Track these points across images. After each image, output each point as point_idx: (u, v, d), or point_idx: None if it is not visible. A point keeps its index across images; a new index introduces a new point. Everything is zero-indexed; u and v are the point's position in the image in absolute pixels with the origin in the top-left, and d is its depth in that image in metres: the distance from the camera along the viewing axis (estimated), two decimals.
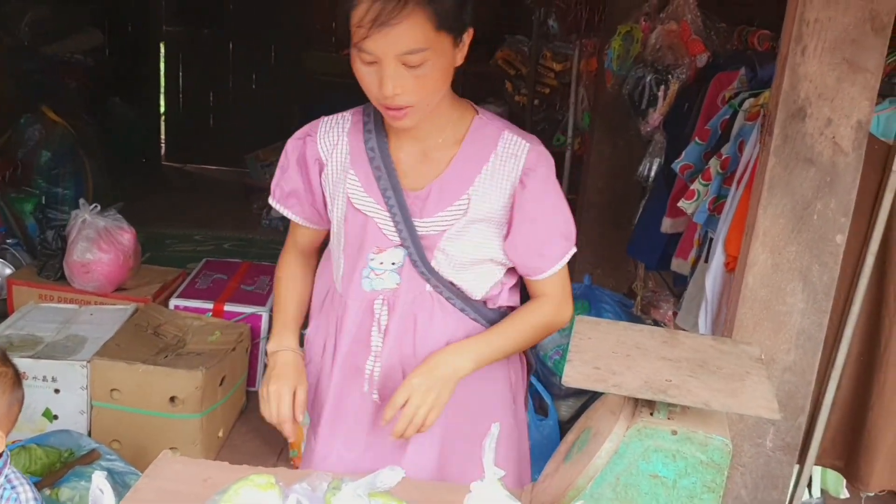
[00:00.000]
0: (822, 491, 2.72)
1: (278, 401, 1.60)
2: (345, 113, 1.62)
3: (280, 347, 1.67)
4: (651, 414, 1.44)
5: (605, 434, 1.47)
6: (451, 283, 1.60)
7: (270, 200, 1.69)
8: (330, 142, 1.59)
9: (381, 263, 1.59)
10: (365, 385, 1.64)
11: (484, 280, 1.61)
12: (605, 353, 1.49)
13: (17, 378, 1.61)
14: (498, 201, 1.54)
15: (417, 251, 1.55)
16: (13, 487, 1.60)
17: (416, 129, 1.52)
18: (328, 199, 1.63)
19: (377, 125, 1.56)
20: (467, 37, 1.46)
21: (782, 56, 1.65)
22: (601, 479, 1.45)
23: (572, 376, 1.39)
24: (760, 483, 1.81)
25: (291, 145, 1.65)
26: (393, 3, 1.33)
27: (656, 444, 1.42)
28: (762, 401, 1.37)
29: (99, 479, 1.11)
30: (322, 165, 1.61)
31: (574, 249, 1.61)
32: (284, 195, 1.67)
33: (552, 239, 1.58)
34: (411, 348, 1.61)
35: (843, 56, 1.60)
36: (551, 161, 1.58)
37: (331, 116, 1.64)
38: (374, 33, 1.35)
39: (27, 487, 1.61)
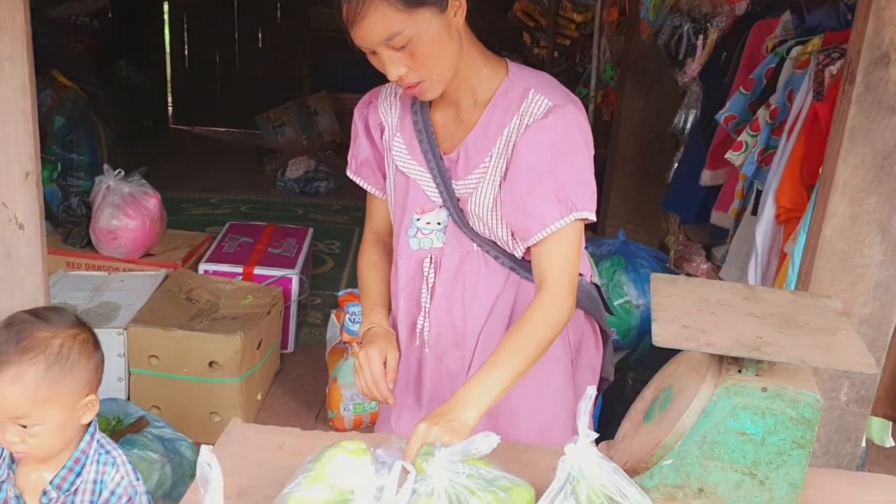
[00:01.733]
0: (867, 439, 2.72)
1: (369, 363, 1.59)
2: None
3: (368, 325, 1.68)
4: (739, 371, 1.42)
5: (692, 392, 1.45)
6: (494, 243, 1.59)
7: (348, 172, 1.71)
8: (387, 106, 1.63)
9: (428, 223, 1.61)
10: (416, 340, 1.66)
11: (517, 249, 1.58)
12: (690, 311, 1.46)
13: (96, 340, 1.61)
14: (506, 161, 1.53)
15: (457, 212, 1.57)
16: (107, 452, 1.60)
17: (448, 93, 1.52)
18: (386, 160, 1.65)
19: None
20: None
21: (864, 0, 1.60)
22: (688, 438, 1.43)
23: (662, 336, 1.37)
24: (834, 436, 1.80)
25: (357, 113, 1.67)
26: (354, 3, 1.37)
27: (745, 402, 1.41)
28: (857, 356, 1.35)
29: (206, 454, 1.08)
30: (383, 128, 1.64)
31: (573, 217, 1.46)
32: (358, 165, 1.69)
33: (541, 197, 1.46)
34: (460, 307, 1.63)
35: None
36: (572, 122, 1.48)
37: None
38: (353, 30, 1.40)
39: (120, 451, 1.61)
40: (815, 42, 2.40)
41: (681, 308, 1.50)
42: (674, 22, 2.95)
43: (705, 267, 3.64)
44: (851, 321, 1.42)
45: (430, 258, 1.62)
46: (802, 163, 2.29)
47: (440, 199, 1.58)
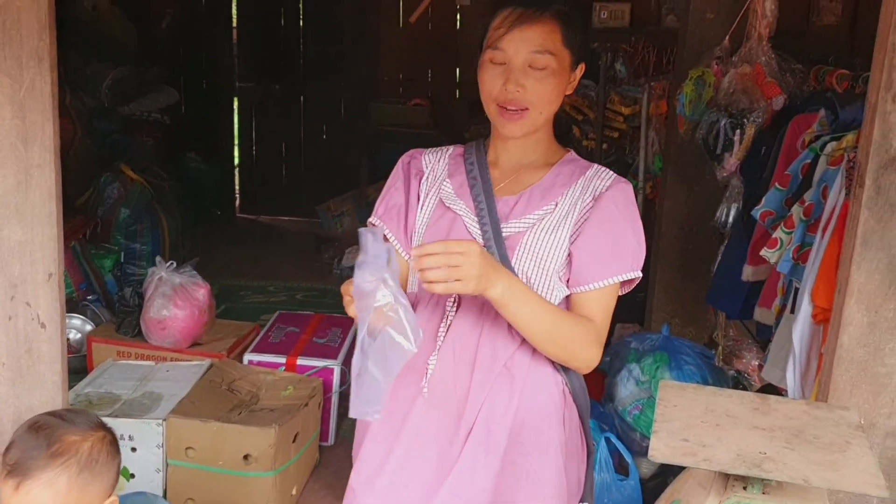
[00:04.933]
0: None
1: None
2: (448, 147, 1.79)
3: None
4: (744, 488, 1.36)
5: None
6: None
7: (371, 218, 1.74)
8: (433, 158, 1.75)
9: None
10: (423, 381, 1.64)
11: (556, 291, 1.63)
12: (693, 423, 1.41)
13: (115, 438, 1.63)
14: (575, 216, 1.62)
15: (500, 250, 1.61)
16: None
17: (514, 146, 1.66)
18: (419, 206, 1.70)
19: (479, 152, 1.71)
20: (579, 71, 1.65)
21: (871, 104, 1.57)
22: None
23: (660, 450, 1.33)
24: None
25: (400, 163, 1.76)
26: (532, 11, 1.58)
27: None
28: (867, 475, 1.28)
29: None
30: (422, 175, 1.73)
31: (633, 273, 1.60)
32: (386, 209, 1.72)
33: (614, 250, 1.60)
34: (472, 352, 1.63)
35: None
36: (632, 196, 1.65)
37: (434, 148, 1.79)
38: (513, 31, 1.57)
39: None
40: (850, 138, 2.35)
41: (685, 419, 1.45)
42: (710, 117, 2.93)
43: (756, 363, 3.52)
44: (865, 436, 1.35)
45: (454, 298, 1.64)
46: (837, 261, 2.22)
47: (482, 240, 1.62)
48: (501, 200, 1.65)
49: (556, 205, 1.62)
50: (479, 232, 1.62)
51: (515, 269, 1.60)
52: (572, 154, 1.73)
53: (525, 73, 1.57)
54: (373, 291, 1.36)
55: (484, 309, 1.62)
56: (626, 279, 1.61)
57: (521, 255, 1.61)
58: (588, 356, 1.60)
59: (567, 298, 1.64)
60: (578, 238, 1.60)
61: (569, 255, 1.61)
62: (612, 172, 1.68)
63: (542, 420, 1.62)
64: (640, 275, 1.62)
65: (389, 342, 1.36)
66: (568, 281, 1.62)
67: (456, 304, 1.64)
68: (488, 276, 1.44)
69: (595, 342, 1.60)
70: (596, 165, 1.69)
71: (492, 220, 1.62)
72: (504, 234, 1.62)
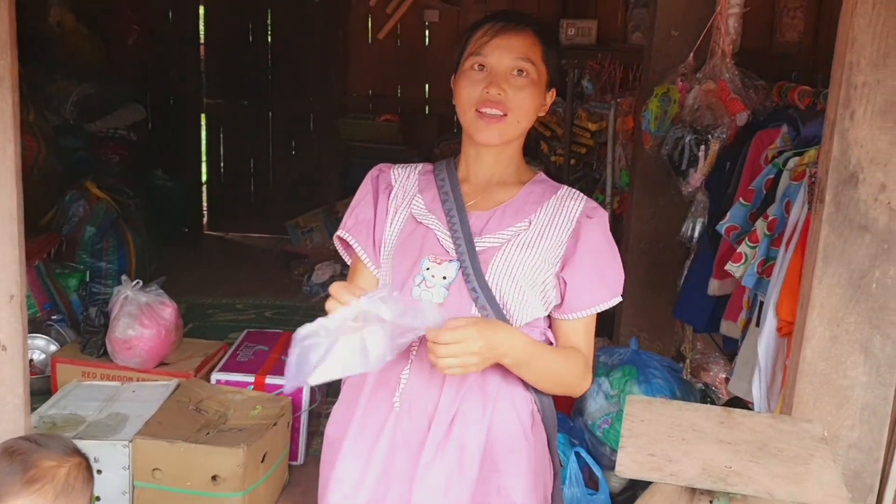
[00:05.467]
0: None
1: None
2: (417, 164, 1.80)
3: None
4: (710, 502, 1.37)
5: None
6: (497, 306, 1.61)
7: (339, 231, 1.74)
8: (402, 173, 1.76)
9: (434, 276, 1.64)
10: (395, 395, 1.65)
11: (528, 308, 1.64)
12: (659, 438, 1.42)
13: (90, 464, 1.61)
14: (552, 237, 1.65)
15: (473, 263, 1.61)
16: None
17: (487, 159, 1.68)
18: (388, 221, 1.70)
19: (449, 169, 1.72)
20: (550, 96, 1.70)
21: (830, 121, 1.61)
22: None
23: (626, 465, 1.33)
24: None
25: (369, 177, 1.76)
26: (514, 23, 1.64)
27: None
28: (830, 487, 1.30)
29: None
30: (391, 189, 1.73)
31: (608, 305, 1.67)
32: (356, 223, 1.72)
33: (592, 283, 1.65)
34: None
35: (894, 119, 1.55)
36: (608, 221, 1.71)
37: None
38: (497, 39, 1.62)
39: None
40: (811, 154, 2.39)
41: (652, 434, 1.46)
42: (675, 133, 2.97)
43: (723, 376, 3.56)
44: (828, 448, 1.36)
45: None
46: (801, 275, 2.25)
47: (454, 253, 1.62)
48: (474, 215, 1.66)
49: (531, 223, 1.65)
50: (451, 245, 1.63)
51: (489, 284, 1.61)
52: (542, 175, 1.76)
53: (507, 79, 1.62)
54: (392, 326, 1.43)
55: None
56: (610, 306, 1.68)
57: (494, 269, 1.62)
58: (583, 384, 1.69)
59: (552, 324, 1.69)
60: (568, 267, 1.65)
61: (556, 281, 1.65)
62: (581, 193, 1.73)
63: (513, 438, 1.63)
64: (621, 299, 1.69)
65: (355, 346, 1.42)
66: (559, 307, 1.66)
67: None
68: (494, 351, 1.51)
69: (587, 370, 1.68)
70: (565, 186, 1.73)
71: (464, 233, 1.63)
72: (478, 249, 1.63)
